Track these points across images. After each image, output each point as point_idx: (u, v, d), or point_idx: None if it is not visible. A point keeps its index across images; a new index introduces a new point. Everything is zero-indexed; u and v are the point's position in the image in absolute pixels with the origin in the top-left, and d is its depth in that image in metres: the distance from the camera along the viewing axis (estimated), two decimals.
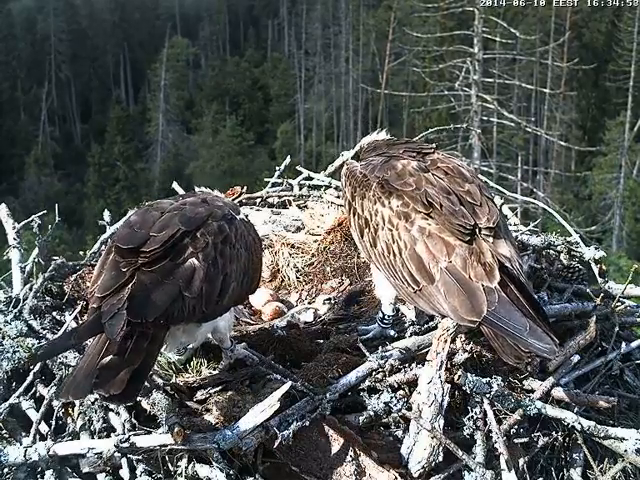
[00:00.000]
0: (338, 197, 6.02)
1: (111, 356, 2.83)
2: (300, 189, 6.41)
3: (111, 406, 3.48)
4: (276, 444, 3.19)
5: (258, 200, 6.25)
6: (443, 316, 3.49)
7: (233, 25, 75.78)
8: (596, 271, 4.82)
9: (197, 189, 4.34)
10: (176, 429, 3.09)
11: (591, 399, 3.74)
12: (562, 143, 42.57)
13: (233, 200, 5.66)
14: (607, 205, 43.52)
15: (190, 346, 3.88)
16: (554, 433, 3.68)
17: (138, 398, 3.46)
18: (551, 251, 5.00)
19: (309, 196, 6.22)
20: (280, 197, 6.30)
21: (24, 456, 3.27)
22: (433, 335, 3.64)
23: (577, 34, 49.95)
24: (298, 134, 60.12)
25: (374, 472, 3.30)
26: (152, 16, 76.37)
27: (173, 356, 3.85)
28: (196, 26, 73.35)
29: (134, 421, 3.38)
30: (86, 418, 3.51)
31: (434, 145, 4.05)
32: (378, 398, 3.53)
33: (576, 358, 4.01)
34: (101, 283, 3.10)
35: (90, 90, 69.24)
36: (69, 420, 3.59)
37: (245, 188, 6.22)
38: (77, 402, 3.59)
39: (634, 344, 4.41)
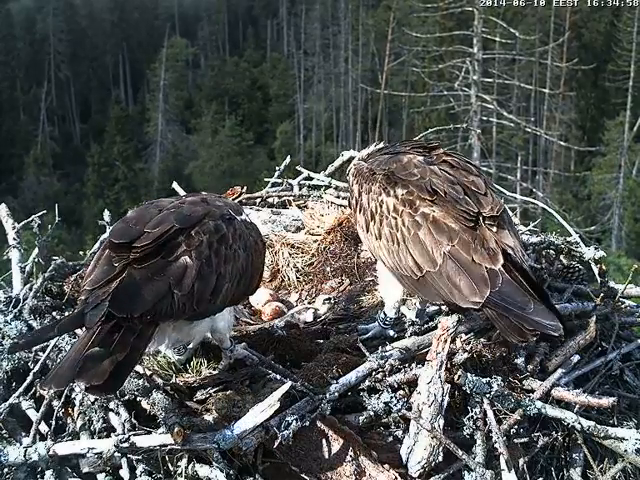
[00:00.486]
0: (338, 197, 6.03)
1: (97, 348, 2.82)
2: (300, 189, 6.42)
3: (111, 406, 3.48)
4: (276, 444, 3.19)
5: (258, 200, 6.25)
6: (447, 303, 3.52)
7: (232, 25, 75.78)
8: (596, 271, 4.82)
9: None
10: (176, 429, 3.09)
11: (591, 399, 3.74)
12: (561, 143, 42.59)
13: (233, 200, 5.66)
14: (606, 205, 43.53)
15: (190, 346, 3.88)
16: (554, 433, 3.68)
17: (138, 398, 3.47)
18: (551, 251, 5.01)
19: (309, 196, 6.23)
20: (280, 197, 6.31)
21: (24, 456, 3.27)
22: (433, 335, 3.64)
23: (576, 34, 49.95)
24: (297, 134, 60.12)
25: (374, 472, 3.30)
26: (151, 16, 76.39)
27: (173, 356, 3.84)
28: (195, 26, 73.39)
29: (134, 421, 3.37)
30: (86, 418, 3.51)
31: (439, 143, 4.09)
32: (378, 398, 3.52)
33: (576, 358, 4.01)
34: (92, 277, 3.12)
35: (89, 90, 69.23)
36: (69, 420, 3.59)
37: (245, 188, 6.22)
38: (77, 402, 3.60)
39: (634, 344, 4.41)
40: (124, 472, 3.23)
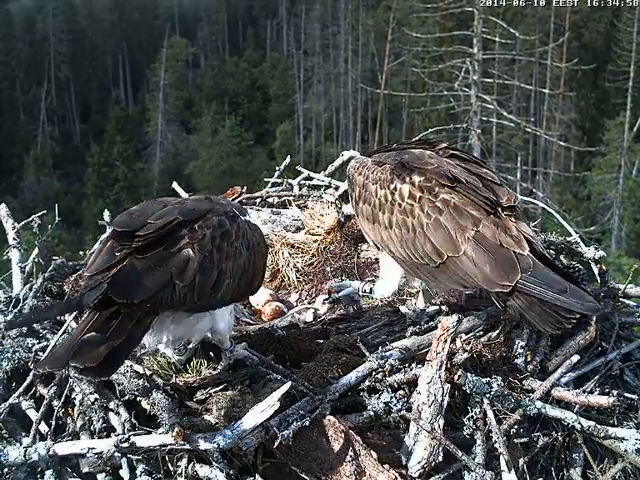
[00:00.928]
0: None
1: (93, 332, 2.85)
2: (300, 189, 6.42)
3: (111, 406, 3.48)
4: (276, 444, 3.19)
5: (258, 200, 6.25)
6: (470, 287, 3.49)
7: (232, 25, 75.81)
8: (596, 271, 4.82)
9: None
10: (176, 429, 3.09)
11: (591, 399, 3.74)
12: (561, 143, 42.62)
13: (233, 200, 5.67)
14: (606, 205, 43.53)
15: (190, 346, 3.88)
16: (554, 433, 3.68)
17: (138, 398, 3.47)
18: (551, 251, 5.00)
19: (309, 196, 6.22)
20: (280, 197, 6.31)
21: (24, 456, 3.27)
22: (433, 335, 3.65)
23: (576, 34, 49.97)
24: (297, 134, 60.12)
25: (374, 472, 3.30)
26: (151, 16, 76.40)
27: (173, 356, 3.84)
28: (195, 26, 73.41)
29: (134, 421, 3.37)
30: (86, 418, 3.51)
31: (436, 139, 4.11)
32: (378, 398, 3.52)
33: (576, 358, 4.01)
34: (93, 265, 3.14)
35: (89, 90, 69.24)
36: (69, 420, 3.59)
37: (245, 188, 6.22)
38: (77, 402, 3.60)
39: (634, 344, 4.41)
40: (124, 472, 3.23)
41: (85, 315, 2.97)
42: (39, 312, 3.55)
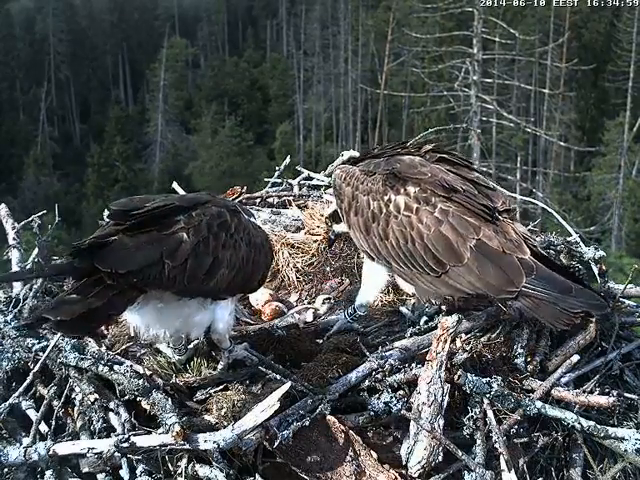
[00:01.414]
0: None
1: (74, 295, 2.89)
2: (300, 189, 6.41)
3: (111, 406, 3.48)
4: (276, 444, 3.19)
5: (258, 200, 6.25)
6: (472, 295, 3.49)
7: (232, 25, 75.81)
8: (596, 271, 4.82)
9: None
10: (176, 429, 3.09)
11: (591, 399, 3.74)
12: (561, 143, 42.63)
13: (233, 200, 5.67)
14: (606, 205, 43.54)
15: (190, 345, 3.88)
16: (554, 433, 3.68)
17: (138, 398, 3.47)
18: (551, 251, 5.00)
19: (309, 196, 6.22)
20: (280, 197, 6.30)
21: (24, 456, 3.27)
22: (433, 335, 3.65)
23: (576, 34, 49.96)
24: (297, 134, 60.12)
25: (374, 472, 3.30)
26: (151, 16, 76.35)
27: (173, 356, 3.84)
28: (195, 26, 73.40)
29: (134, 421, 3.38)
30: (86, 418, 3.51)
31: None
32: (378, 398, 3.52)
33: (576, 358, 4.01)
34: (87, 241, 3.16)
35: (89, 90, 69.22)
36: (69, 420, 3.59)
37: (245, 188, 6.22)
38: (77, 402, 3.60)
39: (634, 344, 4.41)
40: (124, 472, 3.22)
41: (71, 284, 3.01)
42: (23, 272, 3.56)
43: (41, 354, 3.87)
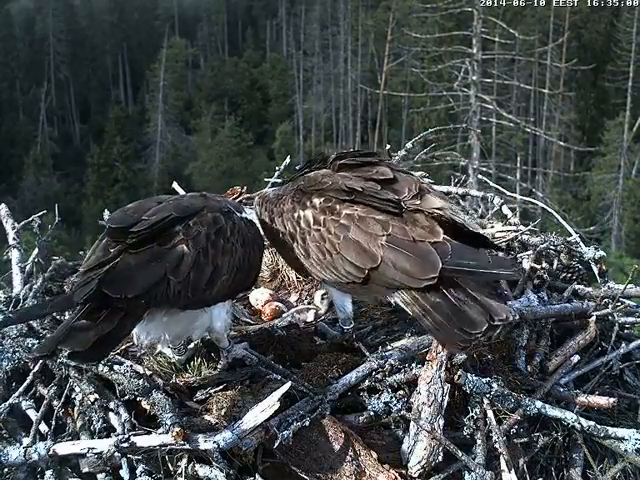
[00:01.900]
0: None
1: (83, 320, 2.88)
2: None
3: (111, 406, 3.48)
4: (276, 444, 3.19)
5: None
6: (401, 288, 3.41)
7: (232, 25, 75.85)
8: (596, 271, 4.82)
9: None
10: (176, 429, 3.09)
11: (591, 399, 3.74)
12: (561, 143, 42.60)
13: (233, 200, 5.66)
14: (606, 205, 43.56)
15: (190, 346, 3.88)
16: (554, 433, 3.68)
17: (138, 398, 3.47)
18: (551, 251, 5.00)
19: None
20: None
21: (24, 456, 3.26)
22: None
23: (576, 34, 50.00)
24: (297, 134, 60.15)
25: (374, 472, 3.30)
26: (151, 17, 76.42)
27: (173, 356, 3.84)
28: (195, 27, 73.46)
29: (134, 421, 3.37)
30: (86, 418, 3.51)
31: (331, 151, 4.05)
32: (378, 398, 3.52)
33: (576, 358, 4.02)
34: (87, 262, 3.16)
35: (89, 90, 69.26)
36: (69, 420, 3.59)
37: (245, 188, 6.21)
38: (77, 402, 3.60)
39: (634, 344, 4.41)
40: (124, 472, 3.22)
41: (76, 307, 2.99)
42: (33, 309, 3.57)
43: None
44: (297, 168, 5.36)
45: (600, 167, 45.14)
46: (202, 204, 3.48)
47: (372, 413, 3.49)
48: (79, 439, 3.43)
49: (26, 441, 3.42)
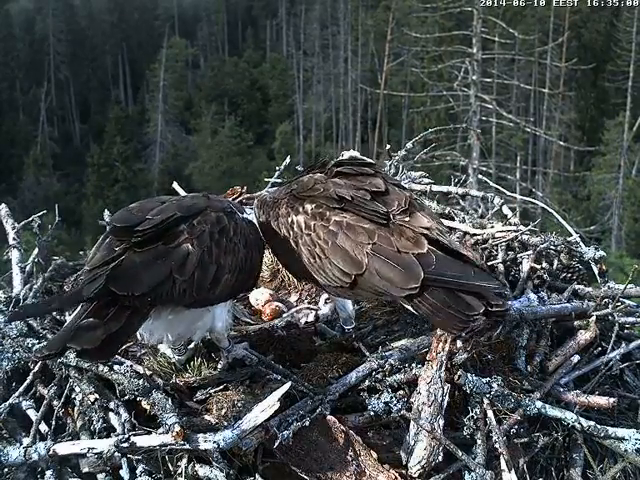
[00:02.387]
0: None
1: (91, 318, 2.89)
2: None
3: (111, 406, 3.48)
4: (276, 444, 3.19)
5: None
6: (384, 295, 3.47)
7: (231, 25, 75.84)
8: (596, 271, 4.82)
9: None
10: (176, 429, 3.09)
11: (591, 399, 3.74)
12: (561, 143, 42.63)
13: (233, 200, 5.66)
14: (606, 205, 43.56)
15: (190, 346, 3.88)
16: (554, 433, 3.67)
17: (138, 398, 3.47)
18: (551, 251, 5.00)
19: None
20: None
21: (24, 456, 3.26)
22: (433, 335, 3.65)
23: (576, 34, 50.00)
24: (297, 134, 60.16)
25: (374, 472, 3.30)
26: (151, 17, 76.41)
27: (173, 356, 3.84)
28: (194, 26, 73.45)
29: (134, 421, 3.37)
30: (86, 418, 3.51)
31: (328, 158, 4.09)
32: (378, 398, 3.52)
33: (576, 358, 4.02)
34: (92, 261, 3.16)
35: (89, 90, 69.24)
36: (69, 420, 3.59)
37: (245, 188, 6.21)
38: (77, 402, 3.60)
39: (634, 344, 4.41)
40: (124, 472, 3.22)
41: (82, 305, 3.00)
42: (42, 304, 3.58)
43: None
44: (298, 169, 5.39)
45: (600, 167, 45.13)
46: (205, 204, 3.51)
47: (372, 413, 3.49)
48: (79, 439, 3.43)
49: (26, 441, 3.43)
